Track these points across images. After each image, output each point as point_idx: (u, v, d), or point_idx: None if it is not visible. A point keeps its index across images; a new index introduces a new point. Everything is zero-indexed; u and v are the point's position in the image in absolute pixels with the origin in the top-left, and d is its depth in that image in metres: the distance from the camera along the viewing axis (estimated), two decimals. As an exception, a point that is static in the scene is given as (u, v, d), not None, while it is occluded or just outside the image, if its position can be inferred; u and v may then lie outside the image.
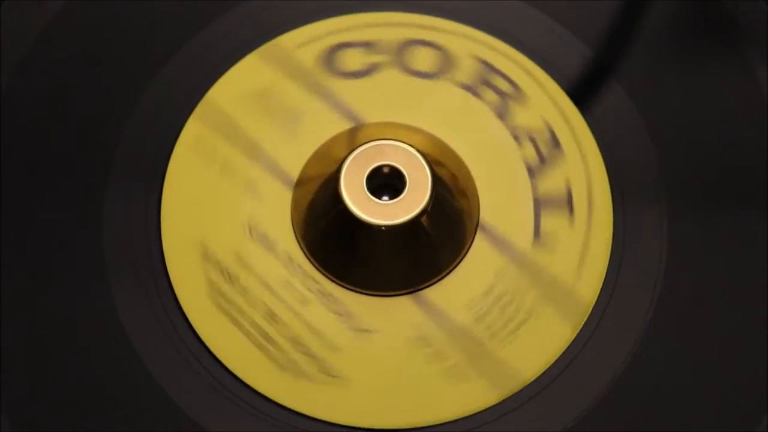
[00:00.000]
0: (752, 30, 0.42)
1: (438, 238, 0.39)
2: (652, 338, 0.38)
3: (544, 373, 0.38)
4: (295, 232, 0.40)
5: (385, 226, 0.38)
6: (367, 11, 0.42)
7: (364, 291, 0.39)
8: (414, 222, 0.38)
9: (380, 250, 0.39)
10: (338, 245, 0.39)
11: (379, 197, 0.38)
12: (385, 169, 0.39)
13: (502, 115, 0.41)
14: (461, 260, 0.39)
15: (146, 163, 0.40)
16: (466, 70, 0.41)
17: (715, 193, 0.40)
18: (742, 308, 0.39)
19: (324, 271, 0.39)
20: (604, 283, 0.39)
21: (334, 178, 0.39)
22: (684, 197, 0.40)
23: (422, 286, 0.39)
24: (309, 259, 0.39)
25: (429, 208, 0.38)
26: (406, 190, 0.38)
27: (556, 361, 0.38)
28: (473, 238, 0.40)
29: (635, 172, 0.40)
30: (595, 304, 0.39)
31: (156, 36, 0.42)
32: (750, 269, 0.39)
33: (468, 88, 0.41)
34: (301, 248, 0.39)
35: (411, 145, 0.39)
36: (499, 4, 0.43)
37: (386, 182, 0.39)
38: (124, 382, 0.38)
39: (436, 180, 0.38)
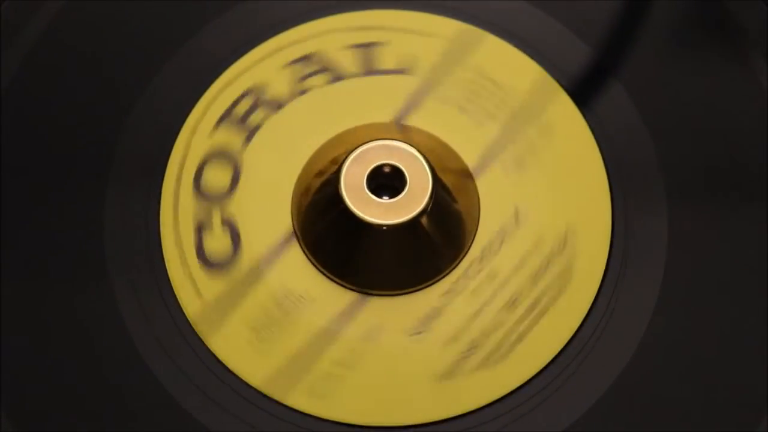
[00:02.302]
0: (752, 30, 0.42)
1: (438, 238, 0.39)
2: (652, 337, 0.38)
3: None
4: (295, 231, 0.40)
5: (385, 226, 0.38)
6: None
7: (362, 290, 0.39)
8: (414, 222, 0.38)
9: (380, 250, 0.39)
10: (338, 245, 0.39)
11: (379, 197, 0.38)
12: (386, 169, 0.39)
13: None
14: (460, 261, 0.39)
15: (146, 163, 0.40)
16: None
17: (715, 193, 0.40)
18: (742, 307, 0.39)
19: (324, 271, 0.39)
20: (603, 283, 0.39)
21: (334, 178, 0.39)
22: (684, 196, 0.40)
23: (422, 286, 0.39)
24: (309, 259, 0.39)
25: (429, 208, 0.38)
26: (406, 190, 0.38)
27: (554, 364, 0.38)
28: (473, 238, 0.40)
29: (635, 172, 0.40)
30: (596, 304, 0.39)
31: (156, 36, 0.42)
32: (751, 268, 0.39)
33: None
34: (302, 247, 0.39)
35: (411, 145, 0.39)
36: (499, 3, 0.43)
37: (386, 182, 0.39)
38: (124, 381, 0.38)
39: (436, 180, 0.38)
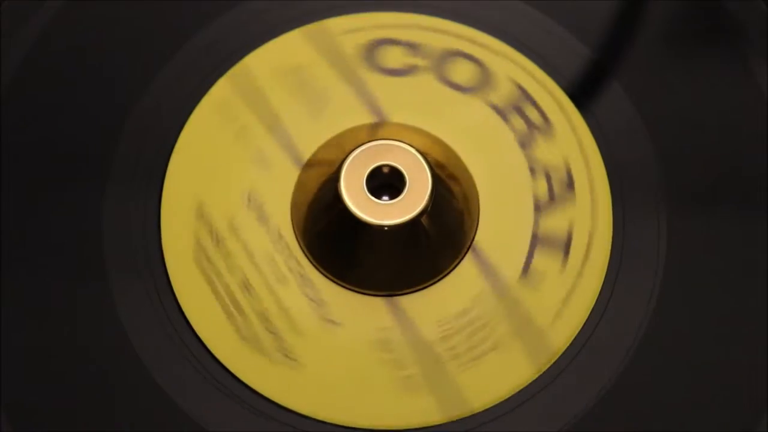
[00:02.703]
0: (752, 30, 0.42)
1: (438, 238, 0.39)
2: (652, 338, 0.38)
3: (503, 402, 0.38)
4: (294, 231, 0.40)
5: (386, 226, 0.38)
6: (417, 12, 0.42)
7: (342, 283, 0.39)
8: (414, 222, 0.38)
9: (380, 250, 0.39)
10: (338, 245, 0.39)
11: (379, 197, 0.38)
12: (385, 169, 0.39)
13: (524, 144, 0.41)
14: (444, 276, 0.39)
15: (146, 162, 0.40)
16: (502, 92, 0.41)
17: (715, 194, 0.40)
18: (742, 308, 0.39)
19: (324, 271, 0.39)
20: (603, 284, 0.39)
21: (334, 178, 0.39)
22: (683, 197, 0.40)
23: (421, 287, 0.39)
24: (309, 258, 0.39)
25: (429, 208, 0.38)
26: (406, 190, 0.38)
27: (549, 369, 0.38)
28: (472, 240, 0.39)
29: (634, 173, 0.40)
30: (595, 304, 0.39)
31: (156, 36, 0.42)
32: (750, 269, 0.39)
33: (499, 111, 0.41)
34: (301, 247, 0.39)
35: (412, 146, 0.39)
36: (499, 3, 0.43)
37: (386, 182, 0.39)
38: (124, 381, 0.38)
39: (436, 180, 0.38)
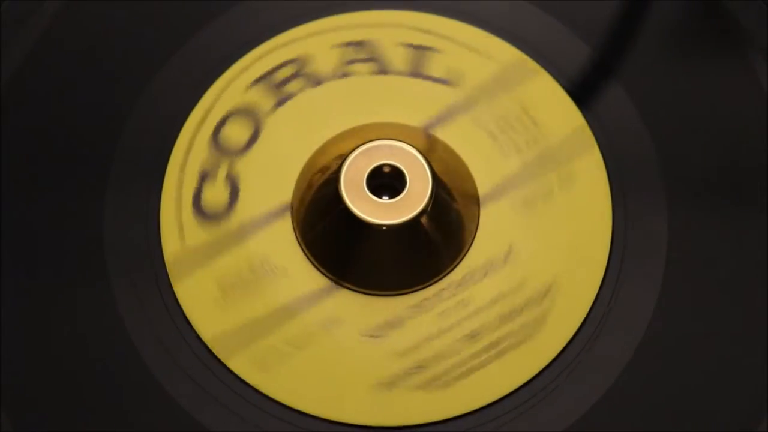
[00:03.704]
0: (752, 30, 0.42)
1: (438, 238, 0.39)
2: (652, 337, 0.38)
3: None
4: (295, 231, 0.40)
5: (385, 226, 0.38)
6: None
7: (343, 282, 0.39)
8: (414, 222, 0.38)
9: (380, 250, 0.39)
10: (338, 245, 0.39)
11: (379, 197, 0.38)
12: (386, 169, 0.39)
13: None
14: (445, 276, 0.39)
15: (146, 162, 0.40)
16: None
17: (715, 193, 0.40)
18: (742, 307, 0.39)
19: (323, 271, 0.39)
20: (604, 282, 0.39)
21: (334, 178, 0.39)
22: (684, 196, 0.40)
23: (420, 287, 0.39)
24: (309, 258, 0.39)
25: (429, 208, 0.38)
26: (406, 189, 0.38)
27: (549, 369, 0.38)
28: (472, 239, 0.40)
29: (635, 172, 0.40)
30: (595, 303, 0.39)
31: (156, 36, 0.42)
32: (751, 268, 0.39)
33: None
34: (301, 247, 0.39)
35: (411, 145, 0.39)
36: (499, 3, 0.43)
37: (386, 182, 0.39)
38: (124, 381, 0.38)
39: (436, 180, 0.38)
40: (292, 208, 0.40)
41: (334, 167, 0.39)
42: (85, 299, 0.39)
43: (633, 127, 0.41)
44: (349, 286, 0.39)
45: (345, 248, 0.39)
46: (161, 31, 0.42)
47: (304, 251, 0.39)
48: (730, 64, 0.42)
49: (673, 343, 0.38)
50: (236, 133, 0.41)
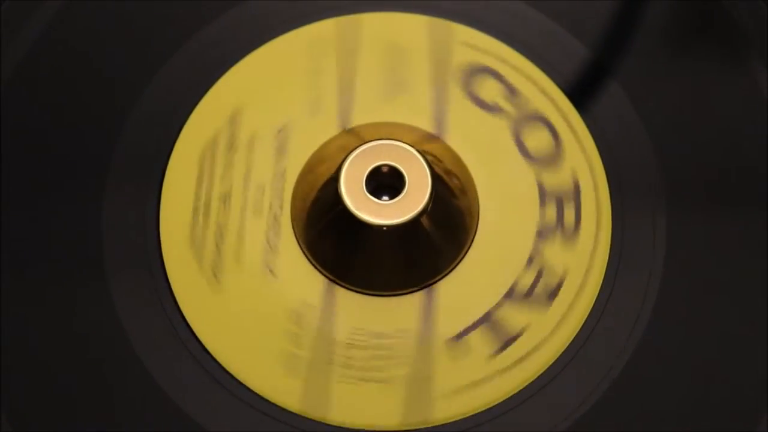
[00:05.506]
0: (752, 30, 0.42)
1: (438, 238, 0.39)
2: (651, 337, 0.38)
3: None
4: (295, 231, 0.40)
5: (385, 226, 0.38)
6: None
7: (340, 281, 0.39)
8: (414, 222, 0.38)
9: (380, 250, 0.39)
10: (337, 245, 0.39)
11: (379, 197, 0.38)
12: (385, 169, 0.39)
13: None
14: (444, 276, 0.39)
15: (146, 162, 0.40)
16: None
17: (715, 193, 0.40)
18: (741, 308, 0.39)
19: (323, 271, 0.39)
20: (603, 282, 0.39)
21: (334, 178, 0.39)
22: (683, 197, 0.40)
23: (420, 287, 0.39)
24: (308, 258, 0.39)
25: (429, 208, 0.38)
26: (405, 190, 0.38)
27: (549, 369, 0.38)
28: (473, 239, 0.40)
29: (634, 173, 0.40)
30: (595, 303, 0.39)
31: (156, 36, 0.42)
32: (750, 269, 0.39)
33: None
34: (301, 247, 0.39)
35: (411, 145, 0.39)
36: (498, 3, 0.43)
37: (386, 182, 0.39)
38: (123, 381, 0.38)
39: (436, 180, 0.38)
40: (291, 208, 0.40)
41: (334, 167, 0.39)
42: (85, 299, 0.39)
43: (631, 129, 0.41)
44: (348, 286, 0.39)
45: (345, 249, 0.39)
46: (161, 31, 0.42)
47: (303, 251, 0.39)
48: (729, 64, 0.42)
49: (672, 344, 0.38)
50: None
